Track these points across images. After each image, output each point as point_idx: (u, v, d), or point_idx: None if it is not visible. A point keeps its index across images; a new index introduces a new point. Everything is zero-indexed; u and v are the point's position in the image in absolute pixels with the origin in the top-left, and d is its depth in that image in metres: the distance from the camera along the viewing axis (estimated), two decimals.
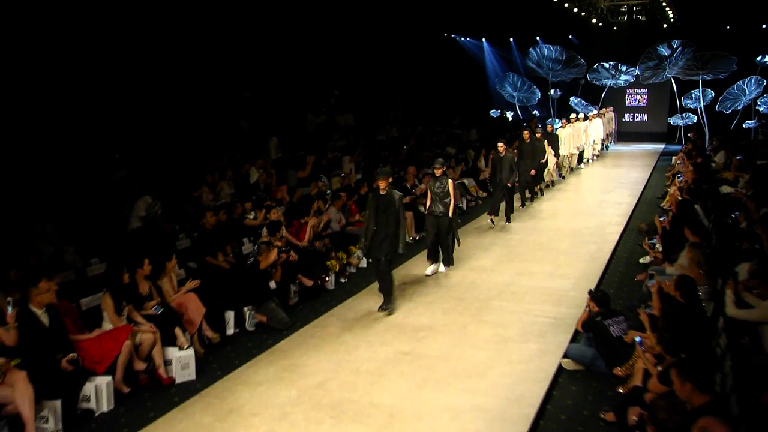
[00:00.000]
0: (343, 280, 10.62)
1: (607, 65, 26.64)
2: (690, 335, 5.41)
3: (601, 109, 25.67)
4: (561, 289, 9.36)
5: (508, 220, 13.95)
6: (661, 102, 26.67)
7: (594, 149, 21.03)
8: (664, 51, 24.94)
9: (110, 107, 13.42)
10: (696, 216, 9.75)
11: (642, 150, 24.89)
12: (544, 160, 15.95)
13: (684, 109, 25.81)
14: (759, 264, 6.92)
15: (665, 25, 23.57)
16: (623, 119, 27.66)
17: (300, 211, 11.20)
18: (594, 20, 22.19)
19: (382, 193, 8.52)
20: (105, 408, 6.42)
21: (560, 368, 6.94)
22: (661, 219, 10.47)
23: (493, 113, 28.91)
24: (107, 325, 6.94)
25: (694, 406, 4.32)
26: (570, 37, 26.87)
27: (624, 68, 26.51)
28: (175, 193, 11.25)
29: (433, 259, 10.48)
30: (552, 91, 28.22)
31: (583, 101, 27.36)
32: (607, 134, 23.90)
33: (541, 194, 16.51)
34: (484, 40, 29.17)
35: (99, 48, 13.58)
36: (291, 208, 11.61)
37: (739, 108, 24.44)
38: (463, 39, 28.77)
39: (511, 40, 28.65)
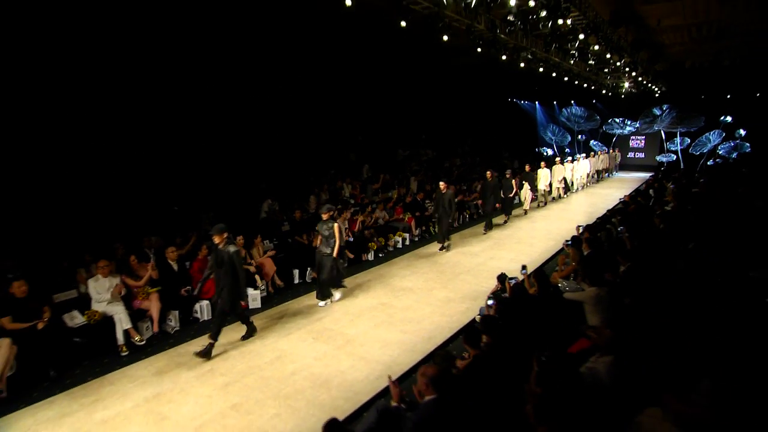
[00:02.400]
0: (380, 255, 10.57)
1: (617, 120, 24.95)
2: (514, 308, 5.35)
3: (608, 150, 24.36)
4: (511, 269, 8.47)
5: (443, 247, 10.84)
6: (653, 145, 24.55)
7: (581, 182, 19.26)
8: (656, 111, 23.03)
9: (265, 148, 13.49)
10: (602, 227, 9.14)
11: (637, 177, 22.89)
12: (512, 194, 13.69)
13: (668, 151, 23.71)
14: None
15: (656, 95, 21.74)
16: (628, 156, 25.81)
17: (358, 211, 11.26)
18: (603, 91, 20.74)
19: (219, 248, 6.05)
20: (205, 317, 7.21)
21: (474, 321, 6.77)
22: (580, 228, 9.56)
23: (537, 150, 27.90)
24: None
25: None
26: (594, 101, 25.29)
27: (629, 122, 24.72)
28: (290, 198, 11.57)
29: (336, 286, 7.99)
30: (579, 137, 26.73)
31: (600, 143, 25.72)
32: (604, 168, 22.22)
33: (508, 220, 13.70)
34: (537, 102, 28.03)
35: (258, 94, 13.36)
36: (358, 208, 11.65)
37: (705, 151, 22.24)
38: (521, 102, 27.81)
39: (555, 102, 27.39)
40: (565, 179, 17.53)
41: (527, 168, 15.84)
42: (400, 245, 11.47)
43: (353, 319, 7.05)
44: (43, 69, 8.64)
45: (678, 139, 22.98)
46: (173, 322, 6.90)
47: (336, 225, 7.59)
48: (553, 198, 17.34)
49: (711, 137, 21.81)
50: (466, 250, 11.01)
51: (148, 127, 10.45)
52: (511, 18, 10.33)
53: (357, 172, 14.96)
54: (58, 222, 8.33)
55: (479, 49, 12.04)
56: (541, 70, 15.47)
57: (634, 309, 5.09)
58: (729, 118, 21.42)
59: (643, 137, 24.93)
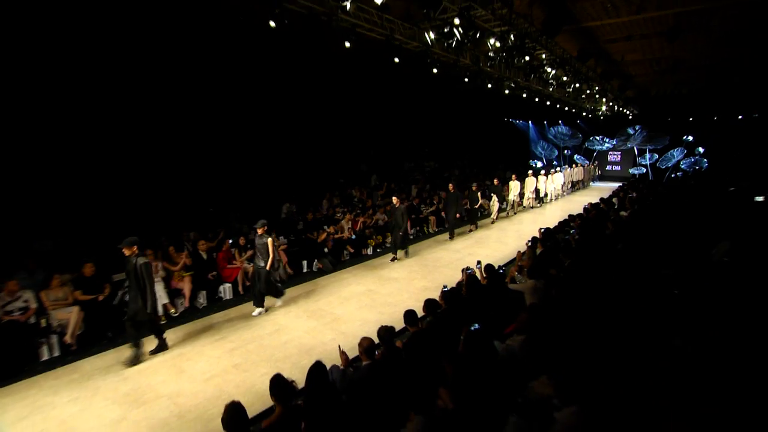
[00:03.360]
0: (378, 250, 10.73)
1: (598, 137, 24.73)
2: (459, 294, 5.58)
3: (588, 163, 24.06)
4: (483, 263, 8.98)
5: (406, 253, 10.13)
6: (628, 159, 24.25)
7: (556, 193, 18.30)
8: (630, 131, 22.81)
9: (289, 161, 13.85)
10: (561, 229, 9.23)
11: (613, 187, 22.42)
12: (477, 205, 12.98)
13: (639, 164, 23.44)
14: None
15: (630, 117, 21.54)
16: (606, 168, 25.53)
17: (360, 214, 11.47)
18: (584, 113, 20.56)
19: (129, 260, 5.46)
20: (228, 296, 7.66)
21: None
22: (541, 230, 9.21)
23: (532, 162, 27.69)
24: (236, 262, 8.00)
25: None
26: (578, 121, 25.06)
27: (607, 139, 24.51)
28: (308, 201, 11.90)
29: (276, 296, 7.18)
30: (566, 151, 26.54)
31: (582, 157, 25.51)
32: (578, 180, 21.47)
33: (476, 228, 12.87)
34: (530, 122, 27.82)
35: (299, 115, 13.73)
36: (359, 210, 11.92)
37: (669, 165, 21.97)
38: (517, 121, 27.59)
39: (545, 122, 27.18)
40: (537, 190, 16.94)
41: (495, 181, 14.59)
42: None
43: (343, 302, 7.34)
44: (114, 81, 9.05)
45: (648, 155, 22.72)
46: (202, 299, 7.41)
47: (269, 240, 6.86)
48: (527, 207, 16.57)
49: (675, 153, 21.55)
50: (450, 247, 11.09)
51: (190, 147, 11.00)
52: (491, 54, 10.50)
53: (367, 180, 15.28)
54: (119, 219, 8.98)
55: (466, 80, 12.30)
56: (524, 95, 15.56)
57: (556, 298, 5.32)
58: (690, 138, 21.13)
59: (620, 152, 24.56)
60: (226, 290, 7.71)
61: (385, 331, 4.12)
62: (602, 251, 7.24)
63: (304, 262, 9.27)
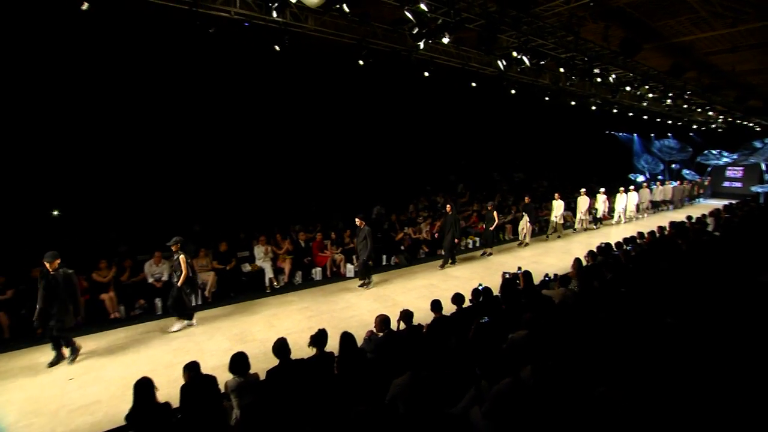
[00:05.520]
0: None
1: (714, 151, 21.13)
2: (490, 293, 5.96)
3: (699, 178, 20.84)
4: (539, 272, 8.03)
5: (363, 284, 8.42)
6: (752, 176, 20.16)
7: (629, 214, 15.33)
8: (757, 144, 18.99)
9: (387, 171, 14.64)
10: (620, 246, 8.73)
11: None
12: (492, 227, 11.05)
13: (765, 181, 19.38)
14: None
15: (758, 129, 18.03)
16: (723, 185, 21.58)
17: (438, 218, 11.80)
18: (695, 126, 18.05)
19: (51, 273, 5.20)
20: (318, 278, 8.81)
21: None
22: (601, 245, 8.39)
23: (631, 176, 24.78)
24: (327, 251, 9.19)
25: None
26: (691, 133, 21.84)
27: (725, 153, 20.82)
28: (396, 205, 12.58)
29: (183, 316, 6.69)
30: (673, 165, 23.23)
31: (692, 172, 22.04)
32: (663, 199, 17.87)
33: (490, 254, 10.99)
34: (635, 134, 24.98)
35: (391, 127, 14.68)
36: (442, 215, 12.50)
37: None
38: (619, 134, 24.82)
39: (652, 135, 24.18)
40: (595, 210, 14.62)
41: (527, 199, 12.43)
42: (470, 246, 11.90)
43: (405, 291, 8.07)
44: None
45: None
46: (298, 278, 8.79)
47: (182, 257, 6.36)
48: (578, 230, 14.03)
49: None
50: (518, 255, 10.98)
51: (305, 158, 12.63)
52: (567, 74, 10.27)
53: (453, 188, 15.74)
54: (247, 211, 10.89)
55: (547, 98, 12.10)
56: (614, 111, 14.53)
57: (573, 306, 5.45)
58: None
59: (742, 168, 20.72)
60: (317, 272, 9.01)
61: (405, 314, 4.92)
62: (645, 269, 6.89)
63: (384, 256, 10.16)
